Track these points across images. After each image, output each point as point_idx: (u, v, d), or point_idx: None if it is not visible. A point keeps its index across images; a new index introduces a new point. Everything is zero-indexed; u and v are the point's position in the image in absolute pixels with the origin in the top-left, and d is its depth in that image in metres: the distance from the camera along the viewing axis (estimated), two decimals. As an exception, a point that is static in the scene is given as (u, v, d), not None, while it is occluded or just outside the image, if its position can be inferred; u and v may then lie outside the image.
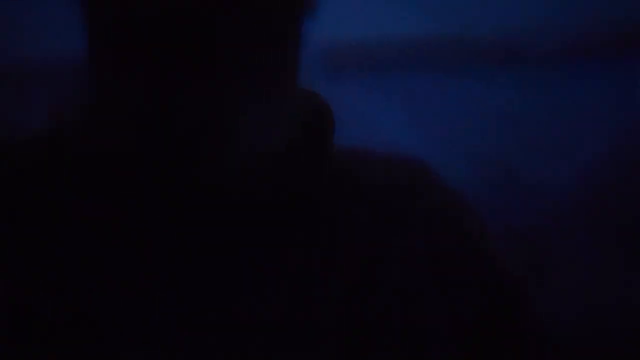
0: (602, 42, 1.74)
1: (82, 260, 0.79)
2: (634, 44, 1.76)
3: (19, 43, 1.62)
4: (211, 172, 0.81)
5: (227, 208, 0.81)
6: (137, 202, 0.80)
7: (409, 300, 0.84)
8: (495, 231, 0.92)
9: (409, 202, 0.88)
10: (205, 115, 0.79)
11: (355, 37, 1.59)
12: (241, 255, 0.81)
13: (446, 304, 0.85)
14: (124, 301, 0.78)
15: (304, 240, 0.84)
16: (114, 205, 0.81)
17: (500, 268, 0.95)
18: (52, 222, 0.82)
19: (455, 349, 0.85)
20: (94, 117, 0.83)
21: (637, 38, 1.76)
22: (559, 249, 1.56)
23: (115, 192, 0.81)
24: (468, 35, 1.65)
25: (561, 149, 1.65)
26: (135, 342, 0.77)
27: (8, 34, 1.63)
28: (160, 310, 0.78)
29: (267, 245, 0.82)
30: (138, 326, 0.78)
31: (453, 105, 1.64)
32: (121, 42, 0.80)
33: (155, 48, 0.78)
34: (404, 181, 0.90)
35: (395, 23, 1.62)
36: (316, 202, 0.84)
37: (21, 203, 0.83)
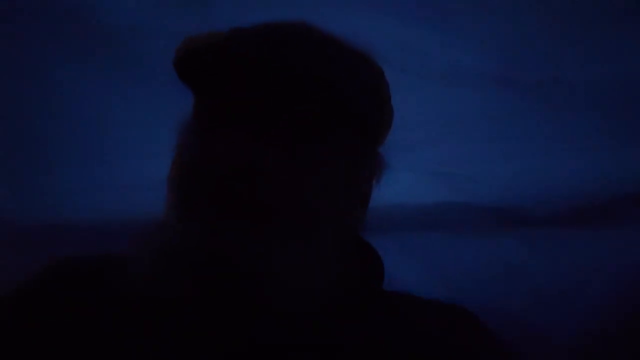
0: (600, 205, 1.85)
1: None
2: (629, 208, 1.87)
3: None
4: (268, 313, 0.81)
5: (281, 344, 0.81)
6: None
7: None
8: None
9: (459, 343, 0.92)
10: (259, 274, 0.79)
11: (377, 204, 1.73)
12: None
13: None
14: None
15: None
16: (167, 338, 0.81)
17: None
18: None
19: None
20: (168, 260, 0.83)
21: (631, 203, 1.87)
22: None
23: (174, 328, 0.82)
24: (477, 201, 1.79)
25: (566, 301, 1.74)
26: None
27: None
28: None
29: None
30: None
31: (463, 261, 1.75)
32: (195, 205, 0.81)
33: (224, 195, 0.80)
34: (454, 324, 0.94)
35: (410, 193, 1.77)
36: (369, 341, 0.89)
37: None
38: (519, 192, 1.81)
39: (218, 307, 0.81)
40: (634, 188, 1.80)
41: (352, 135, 0.84)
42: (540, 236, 1.79)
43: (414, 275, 1.73)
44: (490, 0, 1.81)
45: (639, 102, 1.79)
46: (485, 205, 1.78)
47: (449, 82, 1.79)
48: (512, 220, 1.78)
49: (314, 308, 0.82)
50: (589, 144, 1.80)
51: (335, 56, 0.86)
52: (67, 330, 0.86)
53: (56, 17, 1.93)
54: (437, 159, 1.77)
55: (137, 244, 0.85)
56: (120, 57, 1.86)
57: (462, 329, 0.91)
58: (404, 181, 1.78)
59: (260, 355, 0.81)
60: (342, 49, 0.87)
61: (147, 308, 0.83)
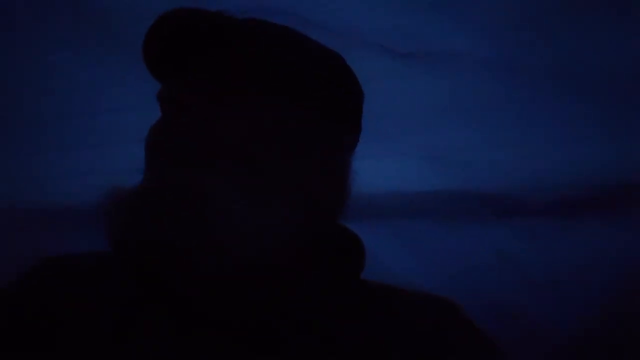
0: (598, 196, 1.83)
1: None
2: (627, 199, 1.85)
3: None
4: (246, 294, 0.83)
5: (252, 329, 0.83)
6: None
7: None
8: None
9: (440, 335, 0.92)
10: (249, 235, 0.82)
11: (366, 190, 1.72)
12: None
13: None
14: None
15: None
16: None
17: None
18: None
19: None
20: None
21: (630, 194, 1.85)
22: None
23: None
24: (472, 189, 1.77)
25: (560, 292, 1.73)
26: None
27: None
28: None
29: None
30: None
31: (455, 249, 1.74)
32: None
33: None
34: (436, 316, 0.94)
35: (404, 178, 1.75)
36: (346, 327, 0.88)
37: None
38: (515, 180, 1.80)
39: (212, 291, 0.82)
40: (633, 178, 1.78)
41: (330, 121, 0.87)
42: (535, 225, 1.77)
43: (407, 263, 1.72)
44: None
45: (638, 91, 1.77)
46: (480, 193, 1.77)
47: (444, 67, 1.76)
48: (507, 208, 1.76)
49: (288, 285, 0.84)
50: (588, 132, 1.77)
51: (312, 55, 0.90)
52: (58, 328, 0.87)
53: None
54: (432, 146, 1.75)
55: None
56: (113, 40, 1.84)
57: (448, 324, 0.91)
58: (398, 168, 1.76)
59: (244, 334, 0.82)
60: (316, 48, 0.93)
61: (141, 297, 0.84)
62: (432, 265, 1.74)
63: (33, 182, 1.87)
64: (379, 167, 1.72)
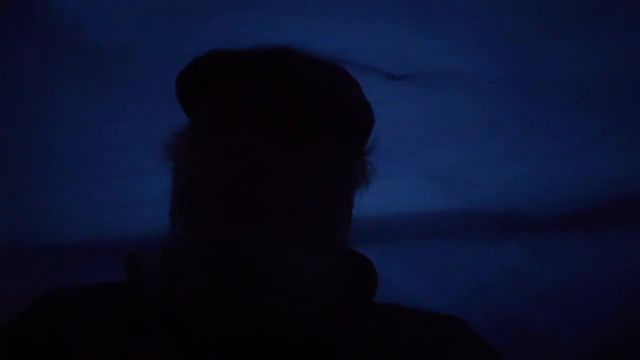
0: (609, 208, 1.81)
1: None
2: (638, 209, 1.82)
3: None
4: (262, 317, 0.85)
5: (270, 352, 0.85)
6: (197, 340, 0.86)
7: None
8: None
9: (450, 351, 0.93)
10: (263, 268, 0.84)
11: (373, 213, 1.71)
12: None
13: None
14: None
15: None
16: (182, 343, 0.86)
17: None
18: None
19: None
20: (169, 269, 0.87)
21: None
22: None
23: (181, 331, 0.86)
24: (477, 207, 1.76)
25: (570, 308, 1.71)
26: None
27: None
28: None
29: None
30: None
31: (466, 269, 1.73)
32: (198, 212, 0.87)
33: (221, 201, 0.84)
34: (447, 335, 0.95)
35: (410, 200, 1.75)
36: (359, 352, 0.90)
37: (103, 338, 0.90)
38: (520, 196, 1.79)
39: (224, 303, 0.84)
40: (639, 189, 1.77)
41: (343, 141, 0.88)
42: (544, 241, 1.76)
43: (416, 284, 1.71)
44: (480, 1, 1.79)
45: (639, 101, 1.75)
46: (486, 211, 1.76)
47: (441, 87, 1.76)
48: (514, 225, 1.75)
49: (309, 308, 0.86)
50: (595, 143, 1.76)
51: (323, 71, 0.91)
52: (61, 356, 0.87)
53: (49, 38, 1.93)
54: (436, 166, 1.74)
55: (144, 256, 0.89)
56: (115, 76, 1.86)
57: (457, 340, 0.92)
58: (404, 190, 1.76)
59: (259, 349, 0.84)
60: (325, 64, 0.93)
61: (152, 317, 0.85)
62: (443, 285, 1.73)
63: (41, 218, 1.88)
64: (385, 190, 1.71)
